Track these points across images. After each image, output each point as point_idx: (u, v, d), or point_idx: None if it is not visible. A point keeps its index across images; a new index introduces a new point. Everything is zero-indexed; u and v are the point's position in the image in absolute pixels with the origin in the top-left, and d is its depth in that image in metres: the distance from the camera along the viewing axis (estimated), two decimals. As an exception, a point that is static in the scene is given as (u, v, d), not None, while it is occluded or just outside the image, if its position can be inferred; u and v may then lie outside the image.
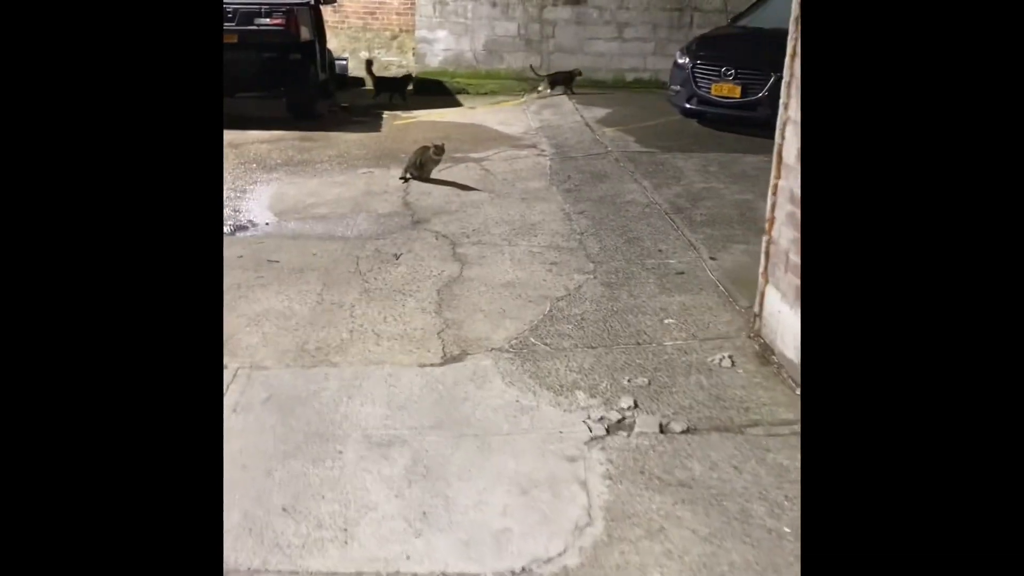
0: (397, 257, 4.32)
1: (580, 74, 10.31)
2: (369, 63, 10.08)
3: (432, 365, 3.11)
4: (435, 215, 5.12)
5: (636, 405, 2.80)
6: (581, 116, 8.73)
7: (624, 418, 2.72)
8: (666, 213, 5.15)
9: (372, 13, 12.08)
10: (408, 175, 5.94)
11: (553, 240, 4.64)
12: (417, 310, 3.62)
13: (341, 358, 3.15)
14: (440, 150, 5.88)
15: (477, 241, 4.60)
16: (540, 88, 10.33)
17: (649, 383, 2.97)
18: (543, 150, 7.18)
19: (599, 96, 10.14)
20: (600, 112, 9.00)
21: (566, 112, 9.12)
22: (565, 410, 2.78)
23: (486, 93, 10.65)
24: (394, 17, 11.81)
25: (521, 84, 10.85)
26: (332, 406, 2.78)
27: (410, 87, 10.10)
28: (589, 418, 2.71)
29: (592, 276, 4.07)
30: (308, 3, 8.62)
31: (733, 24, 8.81)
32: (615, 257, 4.36)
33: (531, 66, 10.62)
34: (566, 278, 4.04)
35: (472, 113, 9.31)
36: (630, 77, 11.13)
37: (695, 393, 2.91)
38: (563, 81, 10.20)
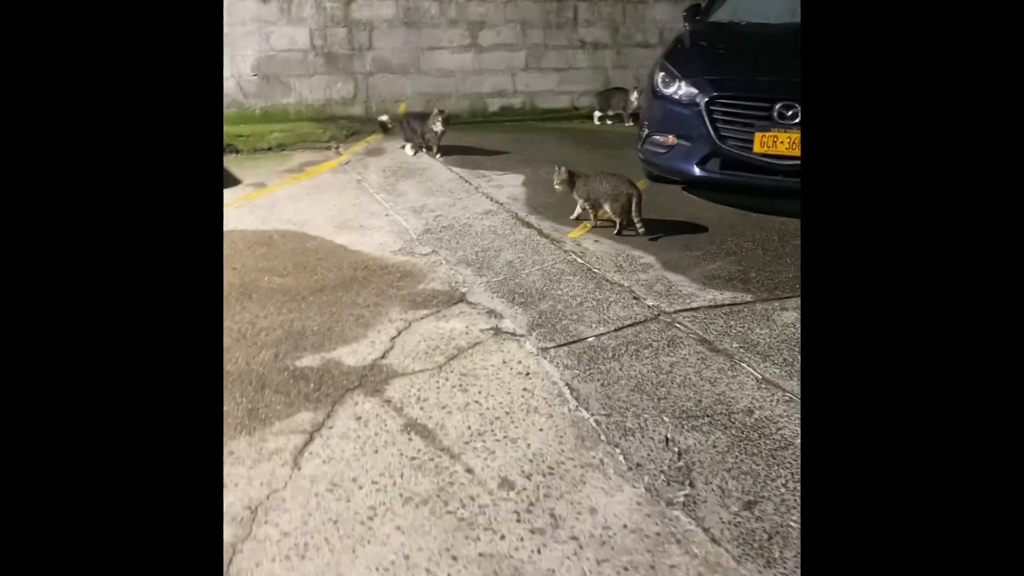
0: None
1: None
2: (383, 123, 6.28)
3: None
4: None
5: None
6: (488, 197, 4.79)
7: None
8: None
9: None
10: None
11: None
12: None
13: None
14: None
15: None
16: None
17: None
18: (495, 312, 3.18)
19: (470, 144, 6.24)
20: (508, 183, 5.13)
21: (447, 186, 5.10)
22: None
23: (269, 149, 6.30)
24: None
25: (326, 129, 6.62)
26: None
27: (438, 129, 5.77)
28: None
29: None
30: None
31: (703, 19, 5.37)
32: None
33: None
34: None
35: (270, 202, 4.91)
36: (495, 105, 7.34)
37: None
38: None
